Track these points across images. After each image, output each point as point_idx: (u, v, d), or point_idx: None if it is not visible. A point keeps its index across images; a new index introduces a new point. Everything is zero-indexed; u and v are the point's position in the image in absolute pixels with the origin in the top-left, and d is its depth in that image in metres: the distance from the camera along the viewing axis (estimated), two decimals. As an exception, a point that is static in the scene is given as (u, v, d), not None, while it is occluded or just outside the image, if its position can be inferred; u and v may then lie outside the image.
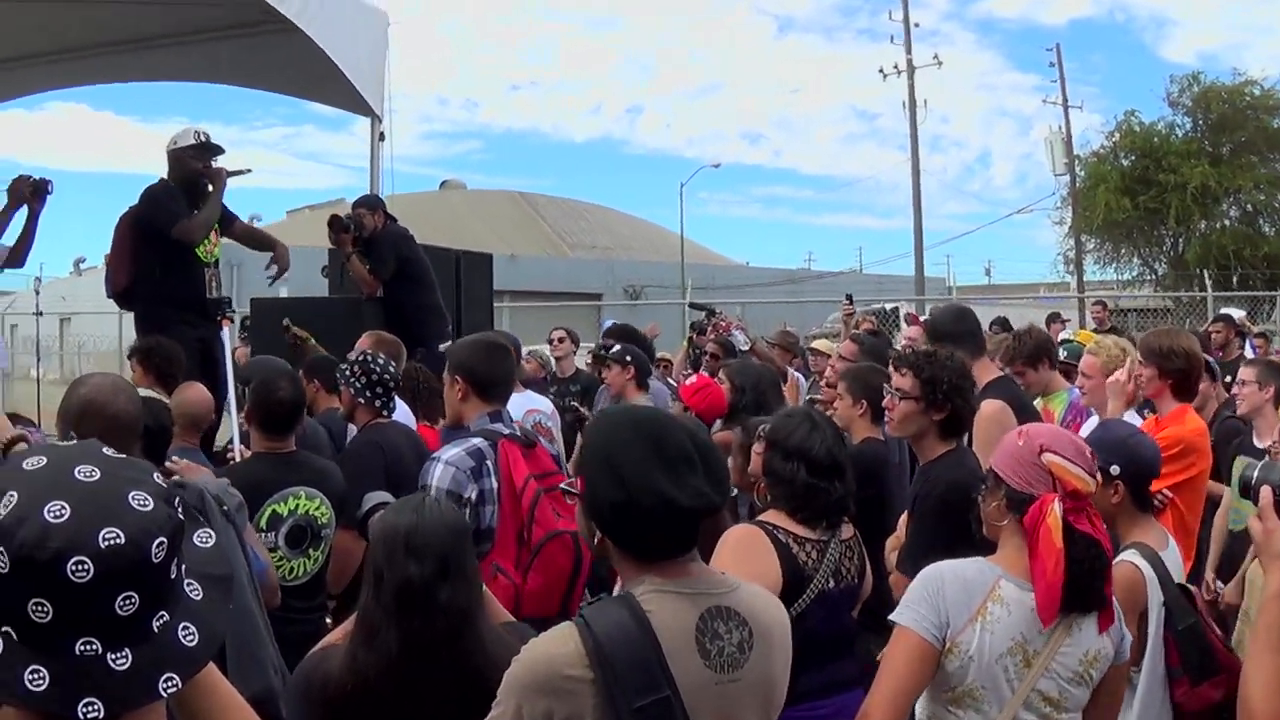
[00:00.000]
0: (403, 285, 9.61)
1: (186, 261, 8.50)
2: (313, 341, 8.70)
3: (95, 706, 1.70)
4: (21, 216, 8.04)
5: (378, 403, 6.36)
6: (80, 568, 1.66)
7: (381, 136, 11.04)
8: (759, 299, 41.74)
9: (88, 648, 1.70)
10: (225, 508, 4.42)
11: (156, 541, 1.74)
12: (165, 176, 8.62)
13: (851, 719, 3.56)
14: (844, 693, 4.45)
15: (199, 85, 12.66)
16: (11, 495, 1.70)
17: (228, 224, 9.08)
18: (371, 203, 10.00)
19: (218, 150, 8.79)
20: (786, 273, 58.17)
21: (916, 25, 42.69)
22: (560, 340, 12.01)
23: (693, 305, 13.14)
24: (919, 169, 40.78)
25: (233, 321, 8.96)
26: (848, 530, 4.77)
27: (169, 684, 1.77)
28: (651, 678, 2.75)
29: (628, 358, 9.00)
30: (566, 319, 26.26)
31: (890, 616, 3.63)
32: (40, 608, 1.67)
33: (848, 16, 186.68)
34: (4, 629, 1.70)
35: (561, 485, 4.40)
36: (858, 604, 4.88)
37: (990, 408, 5.95)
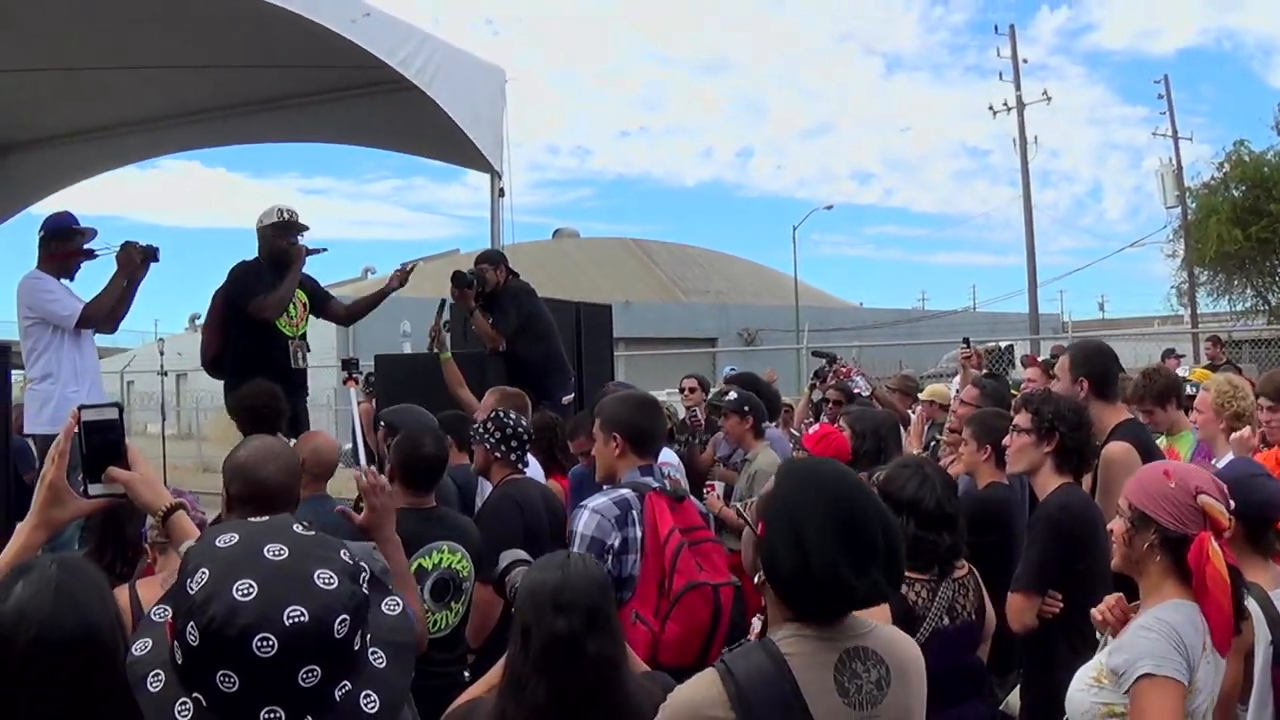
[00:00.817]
0: (526, 339, 9.69)
1: (270, 334, 8.92)
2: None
3: None
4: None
5: (513, 457, 6.45)
6: (265, 644, 1.76)
7: (501, 192, 11.18)
8: (874, 340, 41.54)
9: (271, 715, 1.80)
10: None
11: (339, 619, 1.84)
12: (257, 254, 9.11)
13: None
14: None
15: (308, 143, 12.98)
16: (204, 572, 1.82)
17: (321, 305, 9.63)
18: (494, 258, 10.11)
19: (300, 228, 9.18)
20: (901, 313, 57.93)
21: (1025, 61, 42.45)
22: (692, 390, 12.02)
23: (815, 353, 13.12)
24: (1030, 206, 40.47)
25: (358, 382, 9.32)
26: (962, 568, 4.85)
27: None
28: (790, 717, 2.88)
29: (745, 407, 8.97)
30: (682, 365, 26.31)
31: (1147, 670, 3.61)
32: (227, 679, 1.77)
33: (955, 54, 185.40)
34: (194, 695, 1.82)
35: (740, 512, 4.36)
36: (981, 642, 4.94)
37: (1118, 450, 5.94)
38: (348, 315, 9.96)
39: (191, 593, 1.81)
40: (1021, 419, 5.58)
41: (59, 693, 2.33)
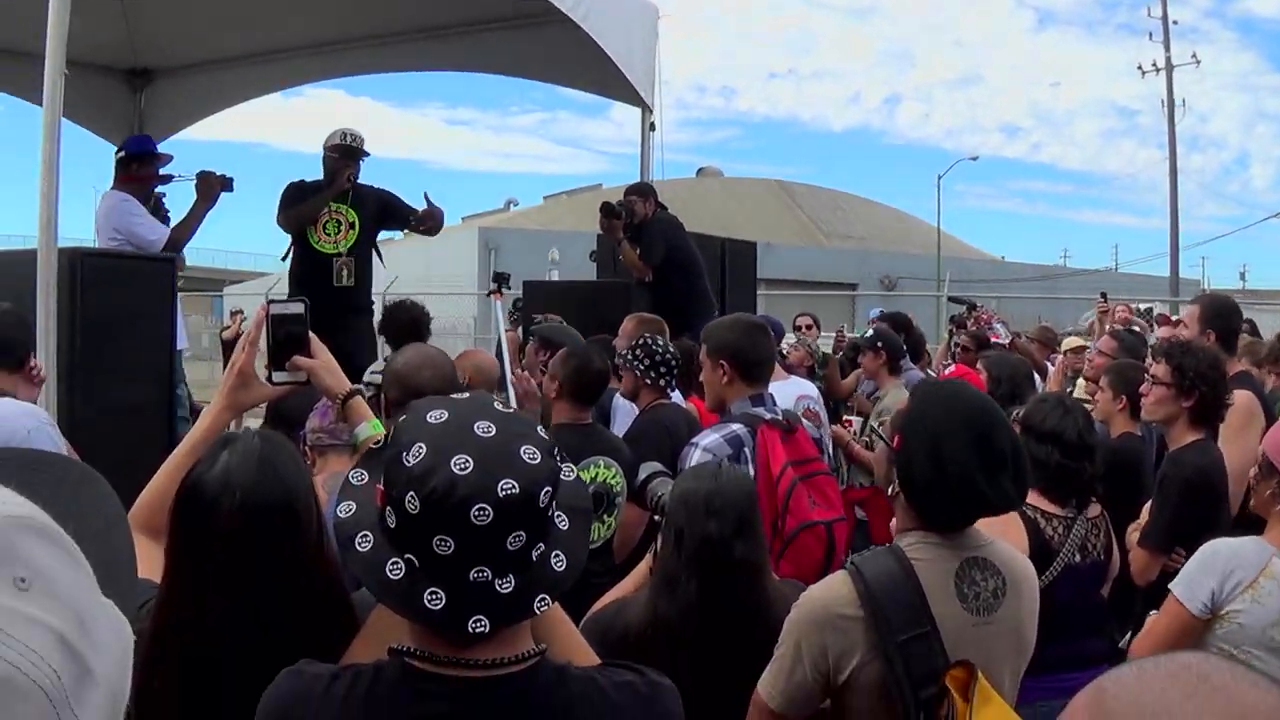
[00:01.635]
0: (672, 271, 9.76)
1: (310, 253, 9.44)
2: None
3: (482, 623, 2.02)
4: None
5: (661, 383, 6.61)
6: (481, 513, 1.96)
7: (652, 126, 11.19)
8: (1015, 294, 41.03)
9: (480, 575, 2.01)
10: None
11: (544, 490, 2.05)
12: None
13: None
14: (1092, 669, 4.52)
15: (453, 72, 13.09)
16: (420, 446, 2.02)
17: (399, 221, 10.11)
18: (643, 191, 10.17)
19: (359, 154, 9.57)
20: (1042, 268, 57.02)
21: (1175, 23, 41.61)
22: (808, 327, 12.23)
23: (953, 299, 13.13)
24: (1176, 169, 39.68)
25: (503, 296, 9.41)
26: (1094, 509, 4.93)
27: (541, 604, 2.08)
28: (915, 616, 3.12)
29: (879, 343, 9.14)
30: (821, 308, 26.24)
31: (1170, 585, 4.00)
32: (444, 543, 1.98)
33: (1108, 10, 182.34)
34: (406, 556, 2.03)
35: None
36: (1106, 582, 5.04)
37: (1241, 397, 6.04)
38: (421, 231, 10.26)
39: (409, 465, 2.01)
40: (1160, 370, 5.66)
41: (256, 556, 2.52)
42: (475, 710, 2.09)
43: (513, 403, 7.60)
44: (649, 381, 6.59)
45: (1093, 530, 4.86)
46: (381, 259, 10.05)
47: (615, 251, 10.10)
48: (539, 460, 2.06)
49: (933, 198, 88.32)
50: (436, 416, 2.09)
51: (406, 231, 10.73)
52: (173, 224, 8.59)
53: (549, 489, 2.07)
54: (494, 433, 2.06)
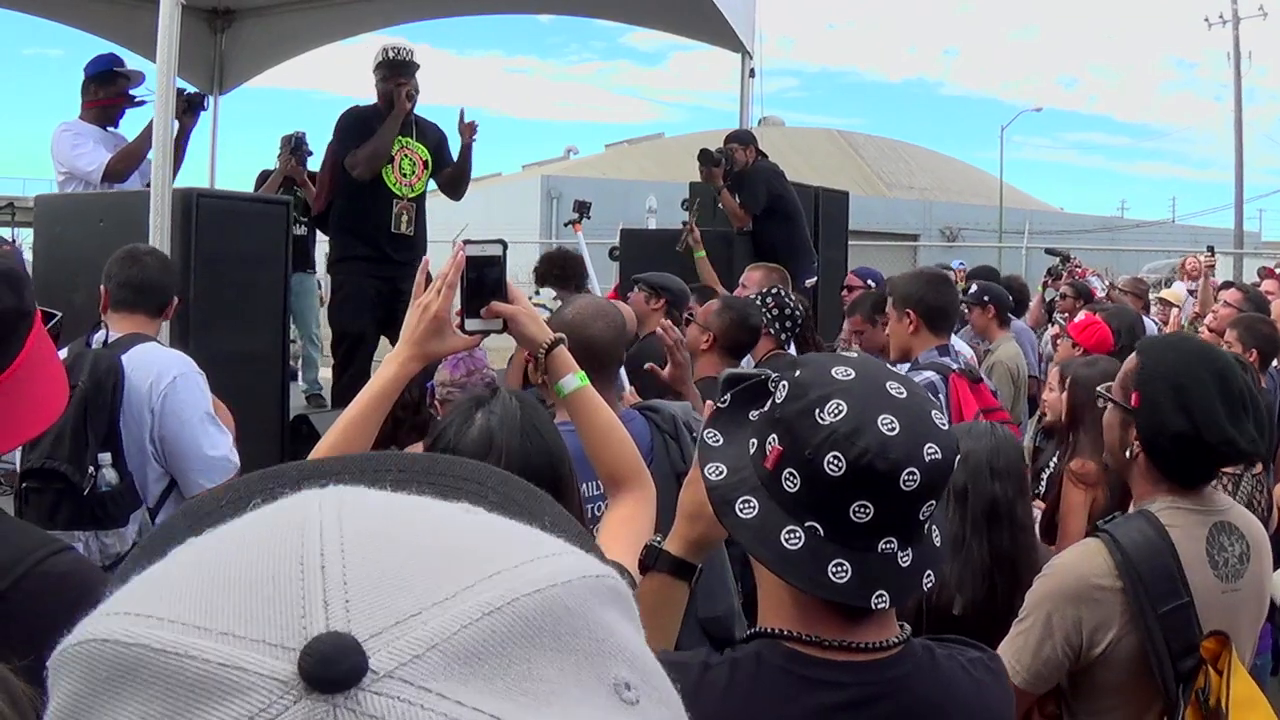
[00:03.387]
0: (773, 220, 9.69)
1: (375, 191, 8.41)
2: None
3: (884, 598, 1.85)
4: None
5: (784, 335, 6.50)
6: (910, 478, 1.80)
7: (752, 73, 11.00)
8: (1078, 245, 40.77)
9: (888, 546, 1.85)
10: (695, 434, 4.53)
11: (957, 457, 1.91)
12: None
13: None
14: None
15: (517, 19, 12.83)
16: (839, 404, 1.84)
17: (440, 169, 8.94)
18: (743, 138, 10.04)
19: (410, 67, 8.51)
20: (1101, 219, 56.96)
21: (1243, -26, 41.03)
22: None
23: (1049, 250, 12.95)
24: (1241, 122, 39.20)
25: (582, 227, 9.22)
26: (1258, 466, 4.94)
27: (928, 580, 1.92)
28: (1174, 586, 2.98)
29: (985, 297, 8.97)
30: (883, 259, 25.98)
31: None
32: (863, 510, 1.81)
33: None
34: (809, 524, 1.85)
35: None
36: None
37: None
38: (447, 184, 9.19)
39: (828, 422, 1.82)
40: None
41: None
42: (869, 698, 1.92)
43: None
44: (771, 331, 6.47)
45: (1258, 487, 4.91)
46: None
47: (714, 200, 9.90)
48: (948, 427, 1.93)
49: (990, 148, 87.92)
50: (843, 372, 1.91)
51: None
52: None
53: (958, 457, 1.94)
54: (906, 395, 1.90)
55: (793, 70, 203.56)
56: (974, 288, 9.44)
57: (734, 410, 2.05)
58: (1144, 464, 3.17)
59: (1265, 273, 13.42)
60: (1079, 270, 12.17)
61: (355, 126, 8.49)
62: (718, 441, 2.03)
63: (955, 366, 5.25)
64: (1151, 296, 13.51)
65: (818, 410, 1.84)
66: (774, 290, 6.66)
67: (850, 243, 12.88)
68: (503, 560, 0.65)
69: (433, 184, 8.96)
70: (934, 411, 1.91)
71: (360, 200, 8.48)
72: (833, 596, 1.85)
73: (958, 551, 3.48)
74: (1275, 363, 6.94)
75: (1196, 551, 3.05)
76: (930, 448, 1.83)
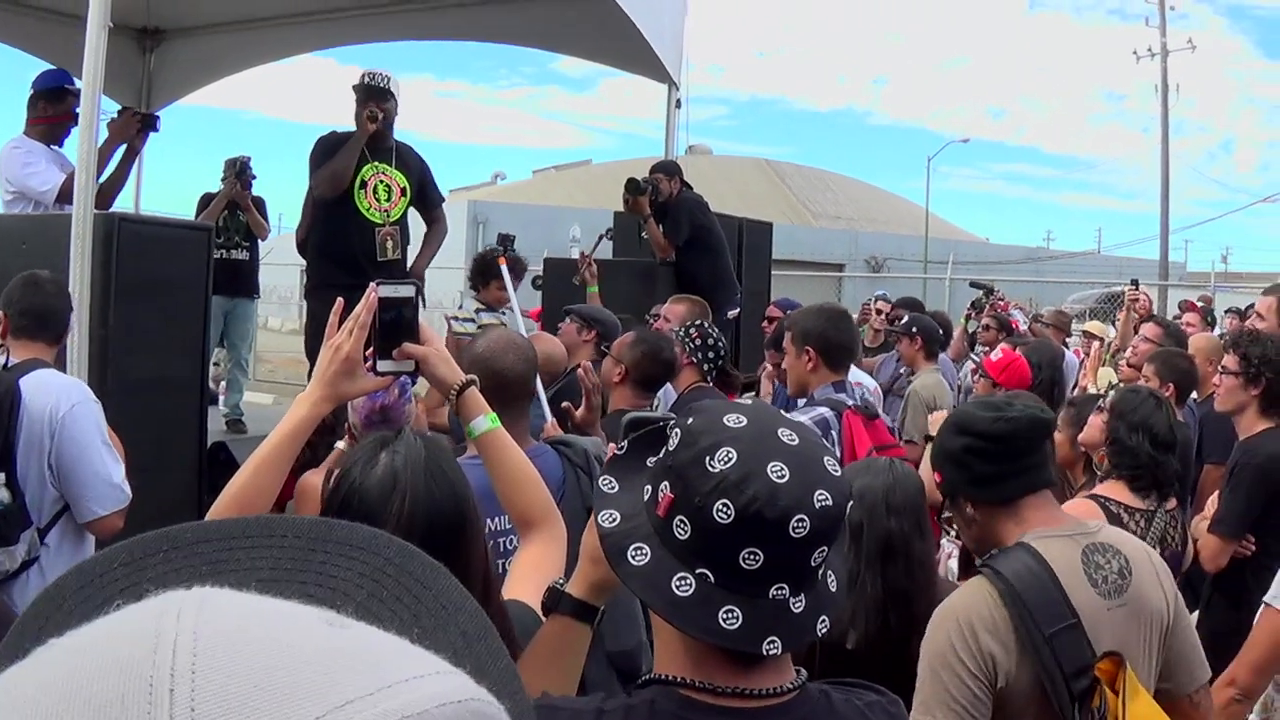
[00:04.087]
0: (696, 251, 9.72)
1: (352, 218, 8.34)
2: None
3: (775, 644, 1.86)
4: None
5: (706, 366, 6.53)
6: (800, 525, 1.81)
7: (678, 104, 11.10)
8: (1002, 276, 41.14)
9: (779, 592, 1.86)
10: None
11: (850, 503, 1.93)
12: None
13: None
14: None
15: (444, 44, 12.79)
16: (729, 451, 1.85)
17: (419, 200, 8.89)
18: (669, 169, 10.08)
19: (380, 94, 8.43)
20: (1027, 250, 57.44)
21: (1172, 8, 41.65)
22: (878, 312, 12.27)
23: (973, 284, 13.07)
24: (1168, 154, 39.73)
25: (508, 261, 8.62)
26: (1172, 502, 4.95)
27: (823, 625, 1.93)
28: (1059, 609, 3.09)
29: (914, 328, 9.12)
30: (809, 288, 26.06)
31: (1267, 599, 4.05)
32: (753, 557, 1.82)
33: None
34: (700, 571, 1.86)
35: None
36: (1181, 572, 5.04)
37: None
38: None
39: (717, 470, 1.83)
40: (1230, 361, 5.78)
41: None
42: None
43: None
44: (694, 361, 6.52)
45: (1171, 523, 4.91)
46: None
47: (638, 229, 9.96)
48: (839, 473, 1.94)
49: (917, 178, 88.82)
50: (735, 420, 1.93)
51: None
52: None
53: (852, 502, 1.97)
54: (798, 441, 1.91)
55: (722, 98, 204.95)
56: (905, 318, 9.60)
57: (632, 456, 2.08)
58: (978, 512, 3.37)
59: (1186, 306, 13.61)
60: (1001, 303, 12.31)
61: (321, 150, 8.45)
62: (613, 488, 2.04)
63: (850, 403, 5.26)
64: (1076, 329, 13.72)
65: (708, 458, 1.85)
66: (697, 323, 6.72)
67: (776, 272, 12.96)
68: (355, 688, 0.62)
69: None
70: (826, 458, 1.92)
71: (341, 227, 8.40)
72: (723, 643, 1.86)
73: (852, 586, 3.52)
74: (1194, 396, 7.06)
75: (1075, 573, 3.16)
76: (821, 495, 1.84)
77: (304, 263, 9.42)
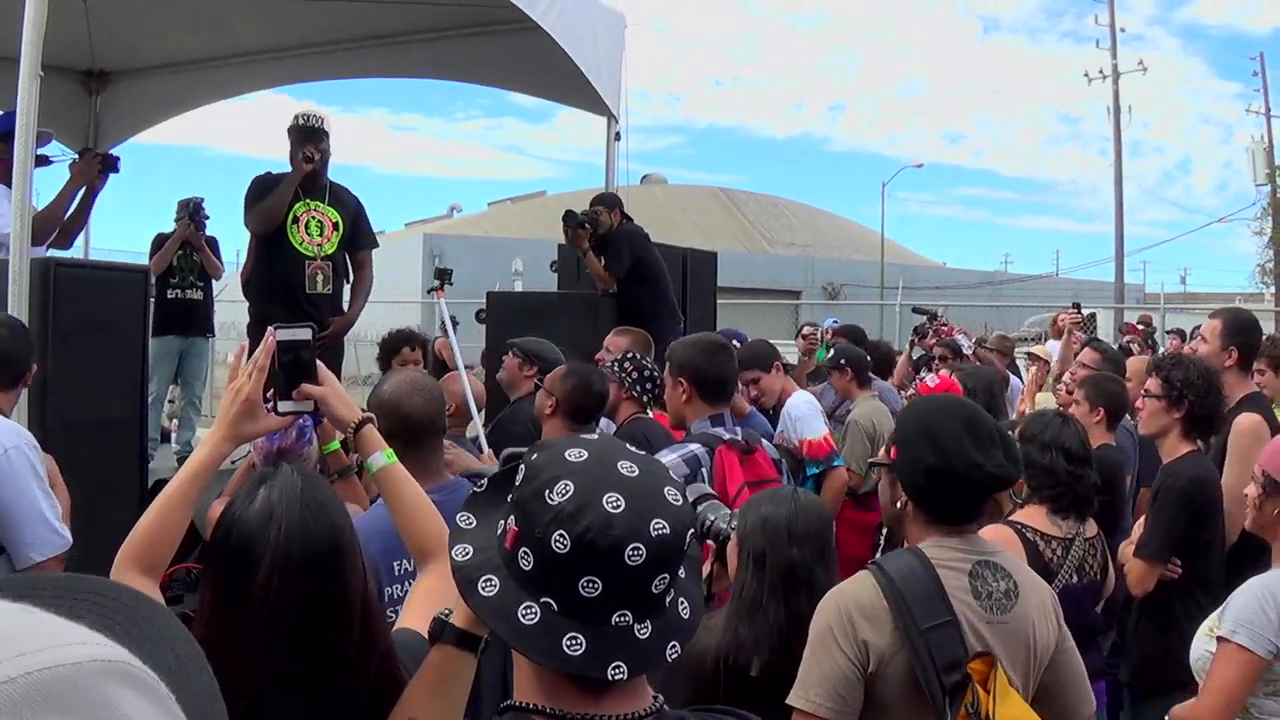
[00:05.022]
0: (637, 283, 9.76)
1: (285, 253, 8.58)
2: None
3: (621, 669, 1.93)
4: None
5: (645, 398, 6.61)
6: (635, 554, 1.89)
7: (617, 136, 11.18)
8: (958, 301, 41.36)
9: (621, 619, 1.93)
10: None
11: (690, 532, 2.01)
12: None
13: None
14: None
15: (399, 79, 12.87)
16: (567, 484, 1.94)
17: (351, 242, 8.98)
18: (609, 201, 10.16)
19: (317, 134, 8.70)
20: (984, 274, 57.71)
21: (1123, 30, 42.01)
22: (804, 338, 12.48)
23: (916, 309, 13.16)
24: (1121, 176, 40.07)
25: (444, 293, 8.96)
26: (1091, 529, 4.99)
27: (673, 651, 2.00)
28: (937, 606, 3.22)
29: (841, 360, 9.18)
30: (766, 316, 26.17)
31: (1222, 634, 3.95)
32: (591, 585, 1.90)
33: (1053, 19, 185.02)
34: (544, 600, 1.95)
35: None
36: (1101, 600, 5.11)
37: (1249, 421, 6.07)
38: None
39: (555, 503, 1.92)
40: (1153, 384, 5.77)
41: (302, 599, 2.45)
42: None
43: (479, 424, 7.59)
44: (633, 394, 6.60)
45: (1090, 550, 4.92)
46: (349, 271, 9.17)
47: (579, 262, 10.03)
48: (681, 503, 2.02)
49: (876, 204, 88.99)
50: (576, 455, 2.01)
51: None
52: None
53: (691, 532, 2.03)
54: (638, 473, 2.00)
55: (679, 128, 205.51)
56: (830, 353, 9.70)
57: (492, 492, 2.16)
58: (912, 511, 3.46)
59: (1127, 328, 13.72)
60: (945, 328, 12.39)
61: (256, 188, 8.65)
62: (470, 524, 2.13)
63: (725, 437, 5.22)
64: (1020, 351, 13.79)
65: (547, 491, 1.94)
66: (630, 355, 6.78)
67: (732, 300, 13.04)
68: (26, 645, 0.77)
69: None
70: (667, 488, 1.99)
71: (274, 264, 8.63)
72: (567, 668, 1.94)
73: (755, 613, 3.65)
74: (1129, 420, 7.01)
75: (960, 581, 3.30)
76: (658, 524, 1.92)
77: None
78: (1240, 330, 6.61)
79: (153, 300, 7.86)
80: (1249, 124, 49.62)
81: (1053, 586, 4.56)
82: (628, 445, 2.11)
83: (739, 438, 5.30)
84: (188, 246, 10.63)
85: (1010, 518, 5.05)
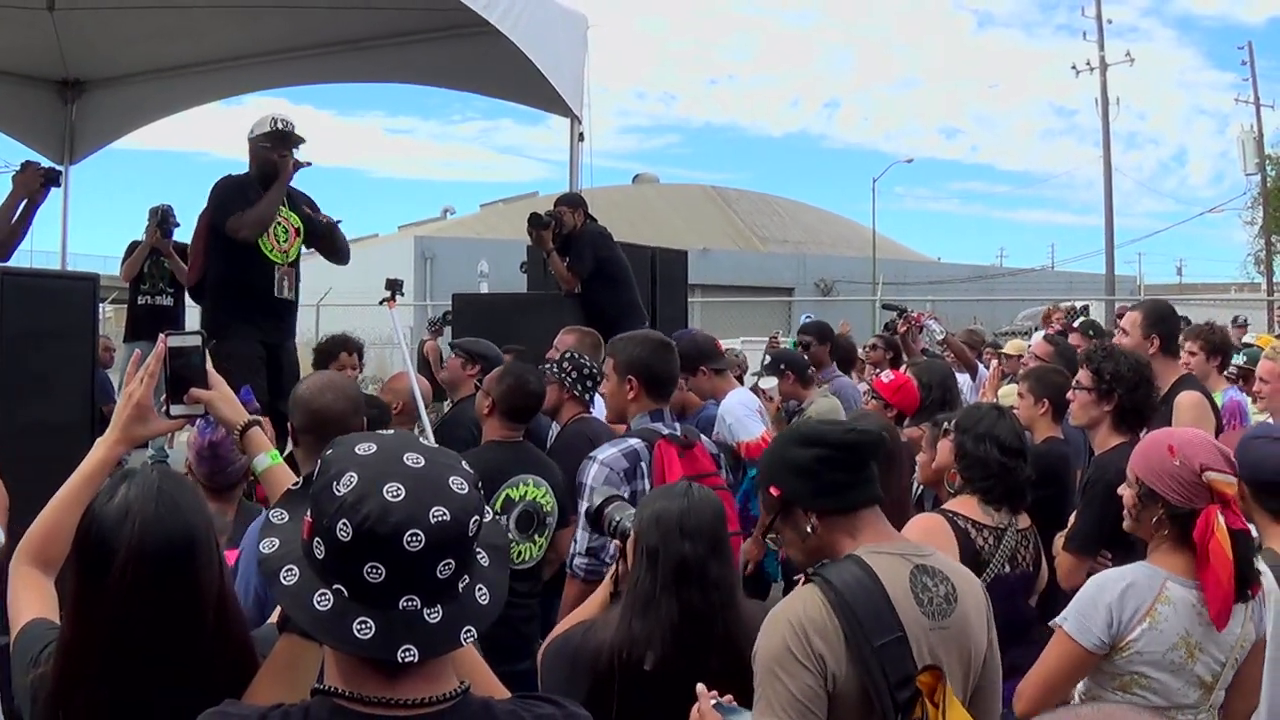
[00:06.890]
0: (601, 283, 9.77)
1: (253, 259, 8.43)
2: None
3: (411, 652, 2.03)
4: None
5: (587, 396, 6.65)
6: (414, 539, 1.99)
7: (581, 137, 11.27)
8: (951, 296, 41.37)
9: (409, 603, 2.04)
10: None
11: (473, 519, 2.10)
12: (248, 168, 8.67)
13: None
14: (1017, 677, 4.64)
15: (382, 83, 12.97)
16: (352, 475, 2.05)
17: (315, 236, 8.96)
18: (572, 201, 10.18)
19: (295, 140, 8.64)
20: (978, 269, 57.55)
21: (1110, 22, 42.34)
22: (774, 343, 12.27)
23: (885, 306, 13.21)
24: (1110, 167, 40.09)
25: (395, 304, 8.71)
26: (1024, 520, 5.01)
27: (468, 635, 2.11)
28: (887, 621, 3.18)
29: (781, 365, 9.15)
30: (758, 313, 26.21)
31: (1055, 621, 4.03)
32: (375, 570, 2.01)
33: (1047, 12, 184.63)
34: (335, 587, 2.05)
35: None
36: (1034, 593, 5.12)
37: (1190, 398, 6.32)
38: (329, 254, 9.33)
39: (340, 494, 2.03)
40: (1083, 376, 5.79)
41: (156, 591, 2.53)
42: None
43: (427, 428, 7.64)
44: (575, 394, 6.63)
45: (1022, 542, 4.94)
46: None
47: (545, 263, 10.07)
48: (467, 491, 2.11)
49: (872, 201, 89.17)
50: (365, 449, 2.12)
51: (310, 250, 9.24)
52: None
53: (477, 519, 2.11)
54: (423, 464, 2.10)
55: (675, 127, 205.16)
56: (768, 358, 9.74)
57: (304, 489, 2.26)
58: (820, 524, 3.41)
59: (1121, 311, 13.70)
60: (914, 315, 12.41)
61: (234, 192, 8.49)
62: (282, 519, 2.24)
63: (665, 432, 5.29)
64: (988, 346, 13.78)
65: (334, 484, 2.04)
66: (568, 354, 6.78)
67: (725, 298, 13.05)
68: None
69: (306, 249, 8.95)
70: (453, 478, 2.09)
71: (240, 268, 8.46)
72: (358, 651, 2.04)
73: (649, 608, 3.64)
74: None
75: (903, 589, 3.26)
76: (437, 510, 2.02)
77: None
78: (1159, 320, 6.83)
79: (124, 307, 7.90)
80: (1241, 114, 49.58)
81: (985, 576, 4.62)
82: (421, 440, 2.20)
83: (678, 433, 5.39)
84: (156, 254, 10.73)
85: (943, 506, 5.10)
